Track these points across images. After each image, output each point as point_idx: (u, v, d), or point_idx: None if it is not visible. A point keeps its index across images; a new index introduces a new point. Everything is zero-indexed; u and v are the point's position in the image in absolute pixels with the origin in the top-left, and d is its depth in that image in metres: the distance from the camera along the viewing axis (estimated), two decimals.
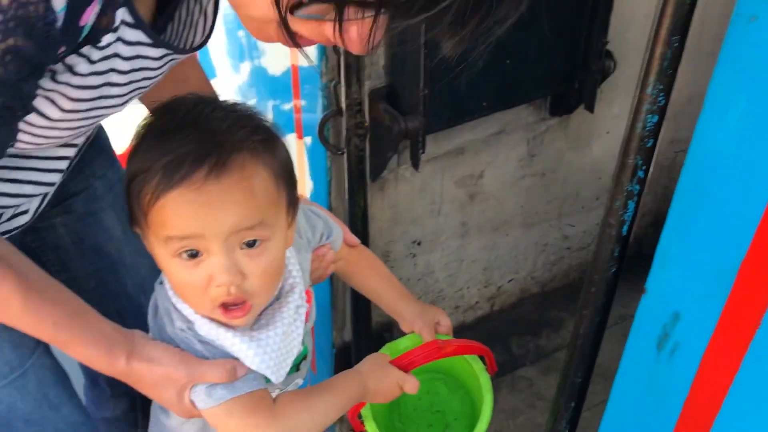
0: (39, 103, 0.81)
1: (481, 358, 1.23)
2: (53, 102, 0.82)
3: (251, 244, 0.90)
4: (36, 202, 1.06)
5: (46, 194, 1.07)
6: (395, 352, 1.19)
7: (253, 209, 0.89)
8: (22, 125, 0.84)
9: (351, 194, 1.48)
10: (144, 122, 0.92)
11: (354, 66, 1.30)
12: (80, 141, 1.05)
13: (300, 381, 1.15)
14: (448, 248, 1.90)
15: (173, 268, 0.91)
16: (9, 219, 1.03)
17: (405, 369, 1.11)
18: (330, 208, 1.62)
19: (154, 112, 0.93)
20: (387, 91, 1.47)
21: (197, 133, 0.87)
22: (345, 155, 1.44)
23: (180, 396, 0.96)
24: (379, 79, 1.48)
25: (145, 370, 0.96)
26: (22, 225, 1.05)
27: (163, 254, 0.91)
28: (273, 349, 0.99)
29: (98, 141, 1.23)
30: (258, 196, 0.89)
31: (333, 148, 1.46)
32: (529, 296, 2.19)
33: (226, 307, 0.92)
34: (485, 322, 2.12)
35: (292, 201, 0.97)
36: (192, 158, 0.85)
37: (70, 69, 0.80)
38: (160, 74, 0.92)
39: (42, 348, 1.11)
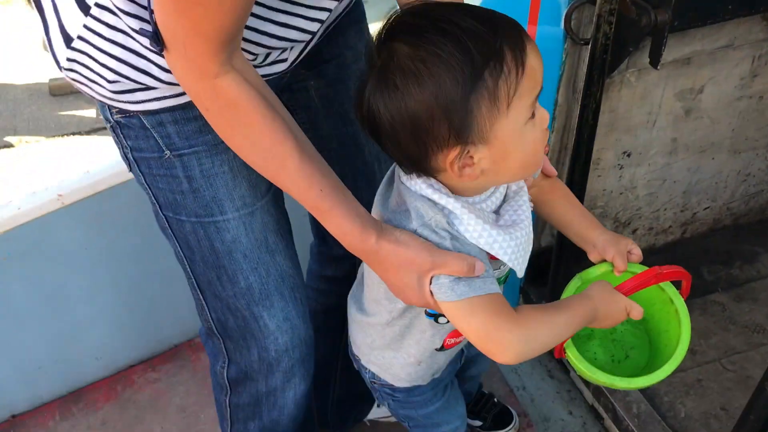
0: None
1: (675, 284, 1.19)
2: None
3: None
4: (296, 51, 1.13)
5: (306, 45, 1.14)
6: (586, 281, 1.18)
7: None
8: None
9: (588, 86, 1.50)
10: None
11: None
12: None
13: (502, 288, 1.16)
14: (654, 164, 1.89)
15: (528, 134, 0.94)
16: (271, 63, 1.11)
17: (626, 295, 1.09)
18: (555, 105, 1.65)
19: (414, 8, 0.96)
20: None
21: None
22: (590, 45, 1.45)
23: (420, 282, 0.99)
24: None
25: (392, 251, 0.99)
26: (279, 72, 1.14)
27: (520, 127, 0.93)
28: (521, 245, 1.02)
29: (354, 13, 1.28)
30: None
31: (577, 37, 1.48)
32: (720, 227, 2.15)
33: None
34: (675, 247, 2.11)
35: None
36: (505, 24, 0.92)
37: None
38: None
39: (271, 196, 1.21)
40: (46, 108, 3.78)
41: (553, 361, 2.07)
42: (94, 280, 1.99)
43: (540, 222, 1.89)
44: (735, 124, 1.91)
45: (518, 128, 0.93)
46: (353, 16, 1.28)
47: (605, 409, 1.76)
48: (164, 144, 1.11)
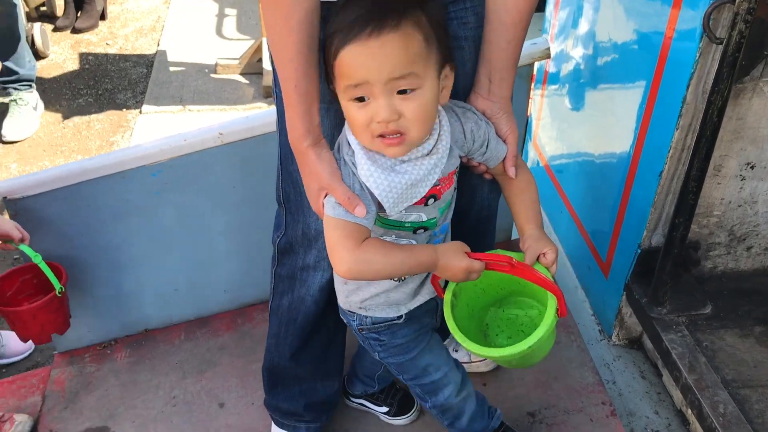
0: None
1: None
2: None
3: (403, 92, 1.17)
4: None
5: None
6: None
7: (404, 62, 1.15)
8: None
9: (716, 82, 1.57)
10: None
11: None
12: None
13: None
14: None
15: (349, 110, 1.22)
16: None
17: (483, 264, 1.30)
18: (683, 103, 1.72)
19: None
20: None
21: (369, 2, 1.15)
22: (723, 43, 1.53)
23: (319, 192, 1.29)
24: None
25: (311, 159, 1.29)
26: None
27: (342, 99, 1.21)
28: (395, 188, 1.25)
29: None
30: (409, 52, 1.15)
31: (713, 36, 1.56)
32: None
33: (383, 137, 1.21)
34: None
35: (442, 59, 1.21)
36: (361, 21, 1.13)
37: None
38: None
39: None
40: (210, 84, 4.16)
41: (647, 364, 2.11)
42: (235, 218, 2.21)
43: (655, 219, 1.95)
44: None
45: (343, 101, 1.22)
46: None
47: (691, 406, 1.78)
48: None
